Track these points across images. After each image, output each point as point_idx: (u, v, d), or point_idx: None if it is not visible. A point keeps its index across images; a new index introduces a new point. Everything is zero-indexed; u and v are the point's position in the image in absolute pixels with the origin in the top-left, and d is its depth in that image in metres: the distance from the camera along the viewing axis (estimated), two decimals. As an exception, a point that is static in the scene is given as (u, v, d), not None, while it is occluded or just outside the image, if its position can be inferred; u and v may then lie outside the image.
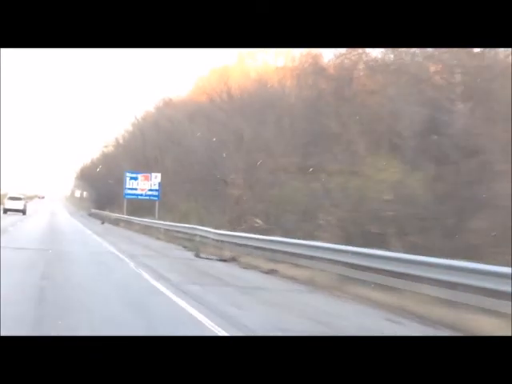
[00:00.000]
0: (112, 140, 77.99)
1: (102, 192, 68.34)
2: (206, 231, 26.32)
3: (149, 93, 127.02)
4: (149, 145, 54.08)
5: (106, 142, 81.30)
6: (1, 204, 56.31)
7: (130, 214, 47.50)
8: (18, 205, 56.18)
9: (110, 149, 78.04)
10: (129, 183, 47.97)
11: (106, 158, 76.33)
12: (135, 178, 48.04)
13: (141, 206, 48.66)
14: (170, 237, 30.94)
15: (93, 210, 73.26)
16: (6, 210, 53.43)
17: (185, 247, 25.88)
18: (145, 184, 47.73)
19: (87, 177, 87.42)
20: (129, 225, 44.15)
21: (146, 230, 37.63)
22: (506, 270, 10.06)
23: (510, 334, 8.53)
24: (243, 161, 31.53)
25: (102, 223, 49.83)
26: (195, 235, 27.55)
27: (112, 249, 23.44)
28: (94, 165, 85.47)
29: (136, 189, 47.80)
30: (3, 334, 7.44)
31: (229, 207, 31.53)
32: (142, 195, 47.92)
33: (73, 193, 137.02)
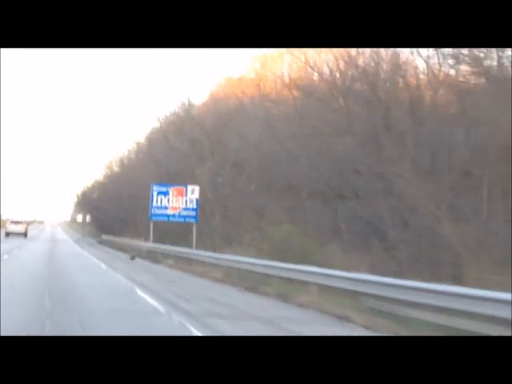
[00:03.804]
0: (118, 158, 79.39)
1: (112, 214, 65.05)
2: None
3: (154, 107, 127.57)
4: (175, 155, 47.85)
5: (110, 160, 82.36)
6: (1, 228, 72.96)
7: (155, 241, 41.69)
8: (20, 228, 69.21)
9: (115, 169, 78.59)
10: (156, 200, 40.12)
11: (114, 176, 76.95)
12: (165, 193, 39.89)
13: (168, 231, 42.63)
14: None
15: (104, 237, 68.14)
16: (8, 234, 66.90)
17: None
18: (178, 201, 39.41)
19: (91, 199, 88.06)
20: (185, 264, 31.95)
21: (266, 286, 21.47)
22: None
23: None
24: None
25: (132, 258, 39.75)
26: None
27: None
28: (99, 184, 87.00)
29: (166, 207, 39.83)
30: (3, 334, 7.90)
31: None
32: (174, 216, 39.83)
33: (74, 217, 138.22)
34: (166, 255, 36.66)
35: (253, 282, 21.92)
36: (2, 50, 38.97)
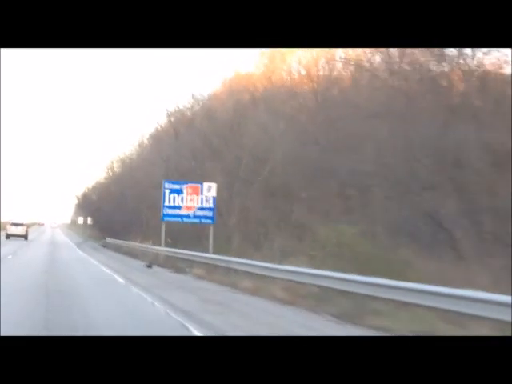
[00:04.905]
0: (120, 158, 79.62)
1: (116, 216, 63.65)
2: None
3: (157, 107, 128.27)
4: (185, 150, 44.99)
5: (112, 160, 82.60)
6: (1, 230, 75.46)
7: (168, 245, 38.92)
8: (20, 230, 71.18)
9: (117, 169, 79.70)
10: (168, 199, 37.21)
11: (116, 176, 77.02)
12: (178, 191, 36.92)
13: (180, 233, 39.92)
14: None
15: (108, 240, 65.25)
16: (8, 236, 69.23)
17: None
18: (193, 199, 36.65)
19: (92, 201, 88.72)
20: (220, 275, 26.00)
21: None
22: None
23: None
24: None
25: (149, 266, 35.01)
26: None
27: None
28: (101, 185, 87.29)
29: (179, 207, 36.93)
30: (3, 333, 8.04)
31: None
32: (188, 217, 37.09)
33: (74, 219, 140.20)
34: (190, 262, 32.07)
35: (341, 307, 15.81)
36: (2, 50, 39.18)
